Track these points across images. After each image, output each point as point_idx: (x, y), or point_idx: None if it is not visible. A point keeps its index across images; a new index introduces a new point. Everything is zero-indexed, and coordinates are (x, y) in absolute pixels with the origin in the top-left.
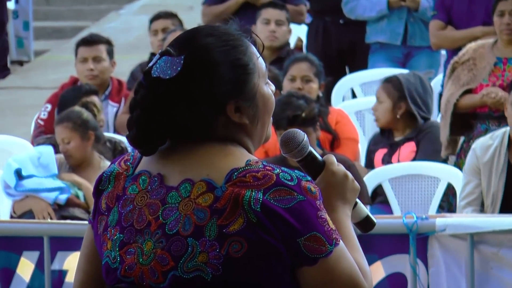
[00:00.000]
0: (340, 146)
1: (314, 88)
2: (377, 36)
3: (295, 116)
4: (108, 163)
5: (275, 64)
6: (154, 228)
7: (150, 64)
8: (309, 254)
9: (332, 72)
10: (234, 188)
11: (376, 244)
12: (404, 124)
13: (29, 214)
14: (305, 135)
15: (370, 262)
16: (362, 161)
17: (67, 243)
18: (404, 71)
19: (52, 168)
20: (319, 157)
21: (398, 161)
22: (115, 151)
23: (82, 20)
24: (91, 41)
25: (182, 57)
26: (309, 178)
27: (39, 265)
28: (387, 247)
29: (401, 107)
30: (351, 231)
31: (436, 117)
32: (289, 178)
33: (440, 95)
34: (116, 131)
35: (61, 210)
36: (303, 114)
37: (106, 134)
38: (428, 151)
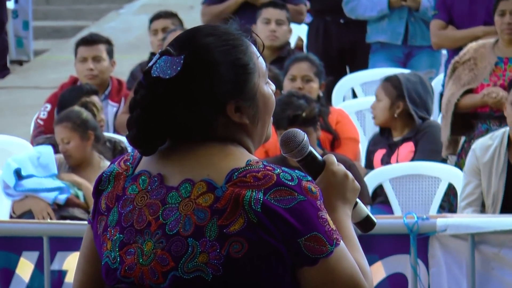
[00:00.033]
0: (340, 146)
1: (314, 88)
2: (378, 35)
3: (295, 116)
4: (108, 163)
5: (276, 64)
6: (154, 229)
7: (150, 64)
8: (309, 254)
9: (333, 72)
10: (235, 188)
11: (376, 244)
12: (402, 123)
13: (28, 214)
14: (305, 135)
15: (371, 263)
16: (363, 161)
17: (66, 243)
18: (405, 71)
19: (51, 168)
20: (319, 157)
21: (397, 161)
22: (115, 151)
23: (81, 20)
24: (91, 40)
25: (182, 56)
26: (309, 178)
27: (39, 265)
28: (387, 247)
29: (399, 106)
30: (352, 231)
31: (437, 117)
32: (290, 178)
33: (441, 95)
34: (116, 131)
35: (60, 210)
36: (304, 114)
37: (106, 134)
38: (426, 151)
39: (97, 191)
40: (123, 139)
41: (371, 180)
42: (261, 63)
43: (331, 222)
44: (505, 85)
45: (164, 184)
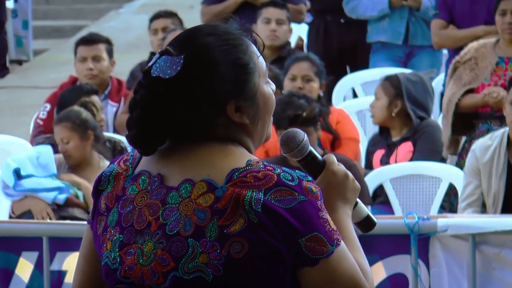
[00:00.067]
0: (341, 146)
1: (314, 88)
2: (379, 35)
3: (296, 116)
4: (107, 163)
5: (276, 64)
6: (154, 229)
7: (150, 64)
8: (310, 254)
9: (333, 72)
10: (235, 189)
11: (377, 244)
12: (401, 123)
13: (28, 214)
14: (305, 135)
15: (371, 263)
16: (363, 161)
17: (66, 244)
18: (406, 70)
19: (51, 168)
20: (319, 157)
21: (395, 161)
22: (115, 151)
23: (81, 19)
24: (91, 40)
25: (182, 56)
26: (310, 178)
27: (38, 266)
28: (388, 248)
29: (397, 105)
30: (352, 231)
31: (437, 117)
32: (290, 178)
33: (442, 94)
34: (115, 130)
35: (60, 210)
36: (304, 114)
37: (106, 133)
38: (425, 150)
39: (97, 191)
40: (123, 139)
41: (372, 180)
42: (261, 62)
43: (331, 222)
44: (506, 85)
45: (164, 184)
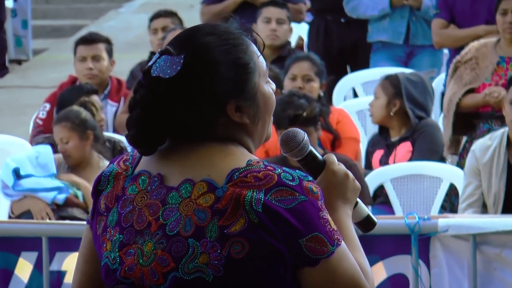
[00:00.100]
0: (341, 145)
1: (315, 88)
2: (379, 35)
3: (296, 116)
4: (107, 162)
5: (276, 63)
6: (154, 229)
7: (150, 63)
8: (310, 255)
9: (334, 71)
10: (235, 189)
11: (377, 245)
12: (400, 122)
13: (27, 215)
14: (305, 134)
15: (372, 263)
16: (363, 161)
17: (65, 244)
18: (406, 70)
19: (50, 168)
20: (320, 157)
21: (394, 162)
22: (114, 150)
23: (81, 19)
24: (90, 40)
25: (182, 56)
26: (310, 178)
27: (38, 266)
28: (389, 248)
29: (395, 104)
30: (352, 231)
31: (438, 117)
32: (291, 178)
33: (443, 94)
34: (115, 130)
35: (59, 210)
36: (304, 114)
37: (105, 133)
38: (424, 150)
39: (96, 191)
40: (122, 138)
41: (372, 180)
42: (261, 62)
43: (332, 223)
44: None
45: (164, 184)
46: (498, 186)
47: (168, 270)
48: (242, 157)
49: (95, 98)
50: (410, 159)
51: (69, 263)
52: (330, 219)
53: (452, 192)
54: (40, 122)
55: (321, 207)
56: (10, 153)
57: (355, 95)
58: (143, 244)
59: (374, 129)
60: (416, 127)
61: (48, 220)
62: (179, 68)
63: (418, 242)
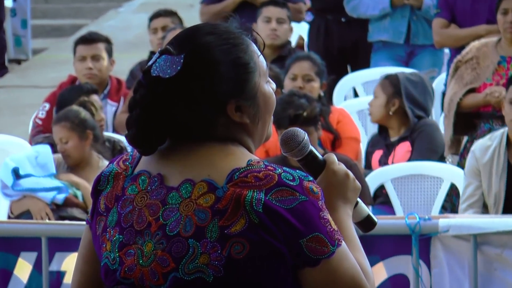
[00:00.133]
0: (341, 145)
1: (315, 88)
2: (380, 34)
3: (296, 115)
4: (106, 162)
5: (276, 63)
6: (154, 229)
7: (150, 63)
8: (311, 255)
9: (334, 71)
10: (236, 189)
11: (378, 245)
12: (398, 122)
13: (26, 215)
14: (306, 134)
15: (372, 263)
16: (363, 161)
17: (65, 244)
18: (407, 70)
19: (49, 168)
20: (320, 156)
21: (393, 162)
22: (114, 150)
23: (80, 18)
24: (90, 39)
25: (182, 56)
26: (311, 178)
27: (37, 266)
28: (389, 248)
29: (394, 103)
30: (353, 231)
31: (439, 117)
32: (291, 178)
33: (443, 94)
34: (115, 130)
35: (59, 210)
36: (305, 113)
37: (105, 133)
38: (422, 150)
39: (96, 191)
40: (122, 138)
41: (373, 180)
42: (261, 62)
43: (332, 223)
44: None
45: (164, 185)
46: (498, 186)
47: (168, 270)
48: (242, 157)
49: (94, 98)
50: (409, 159)
51: (69, 263)
52: (330, 219)
53: (453, 192)
54: (40, 122)
55: (322, 207)
56: (9, 153)
57: (356, 94)
58: (143, 244)
59: (374, 129)
60: (415, 127)
61: (47, 220)
62: (179, 67)
63: (418, 242)
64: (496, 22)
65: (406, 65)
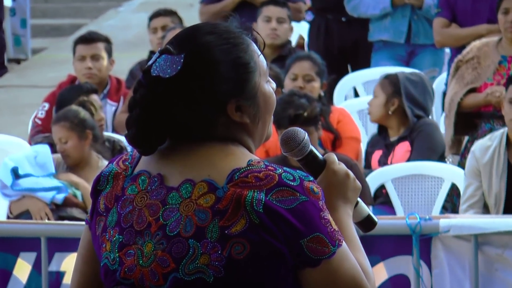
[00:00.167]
0: (342, 145)
1: (315, 88)
2: (381, 34)
3: (296, 115)
4: (106, 162)
5: (277, 62)
6: (154, 229)
7: (150, 63)
8: (312, 255)
9: (334, 71)
10: (236, 189)
11: (378, 245)
12: (398, 121)
13: (26, 215)
14: (306, 134)
15: (373, 264)
16: (363, 161)
17: (64, 244)
18: (407, 69)
19: (49, 167)
20: (320, 156)
21: (392, 162)
22: (114, 150)
23: (80, 18)
24: (90, 39)
25: (182, 55)
26: (311, 178)
27: (36, 267)
28: (390, 248)
29: (394, 103)
30: (353, 231)
31: (439, 116)
32: (292, 179)
33: (444, 94)
34: (114, 130)
35: (59, 210)
36: (305, 113)
37: (105, 133)
38: (422, 149)
39: (96, 191)
40: (122, 138)
41: (373, 180)
42: (262, 61)
43: (333, 223)
44: None
45: (164, 185)
46: (499, 187)
47: (169, 271)
48: (242, 157)
49: (94, 98)
50: (409, 159)
51: (68, 264)
52: (331, 219)
53: (454, 192)
54: (39, 122)
55: (322, 208)
56: (8, 153)
57: (356, 94)
58: (143, 244)
59: (374, 128)
60: (414, 126)
61: (47, 221)
62: (179, 67)
63: (419, 242)
64: (497, 22)
65: (407, 64)
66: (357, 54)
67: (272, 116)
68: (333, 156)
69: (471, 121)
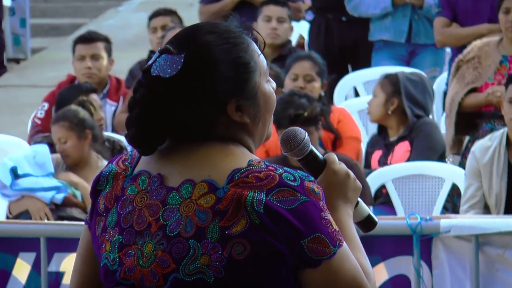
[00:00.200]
0: (342, 145)
1: (316, 88)
2: (381, 33)
3: (297, 115)
4: (105, 162)
5: (277, 62)
6: (154, 230)
7: (150, 62)
8: (312, 256)
9: (335, 70)
10: (237, 189)
11: (379, 245)
12: (397, 121)
13: (25, 215)
14: (306, 134)
15: (373, 264)
16: (363, 161)
17: (64, 244)
18: (408, 69)
19: (48, 167)
20: (320, 156)
21: (392, 161)
22: (114, 150)
23: (79, 17)
24: (89, 38)
25: (182, 55)
26: (312, 178)
27: (36, 267)
28: (390, 249)
29: (393, 102)
30: (353, 231)
31: (440, 116)
32: (292, 179)
33: (445, 93)
34: (114, 130)
35: (58, 210)
36: (305, 113)
37: (104, 133)
38: (421, 149)
39: (95, 191)
40: (121, 138)
41: (374, 180)
42: (262, 61)
43: (333, 223)
44: None
45: (164, 185)
46: (499, 187)
47: (169, 271)
48: (243, 157)
49: (93, 97)
50: (408, 159)
51: (68, 264)
52: (331, 219)
53: (454, 192)
54: (39, 122)
55: (323, 208)
56: (8, 152)
57: (357, 94)
58: (143, 245)
59: (375, 128)
60: (414, 126)
61: (46, 221)
62: (179, 67)
63: (420, 242)
64: (498, 21)
65: (408, 64)
66: (358, 54)
67: (272, 116)
68: (333, 156)
69: (472, 121)
